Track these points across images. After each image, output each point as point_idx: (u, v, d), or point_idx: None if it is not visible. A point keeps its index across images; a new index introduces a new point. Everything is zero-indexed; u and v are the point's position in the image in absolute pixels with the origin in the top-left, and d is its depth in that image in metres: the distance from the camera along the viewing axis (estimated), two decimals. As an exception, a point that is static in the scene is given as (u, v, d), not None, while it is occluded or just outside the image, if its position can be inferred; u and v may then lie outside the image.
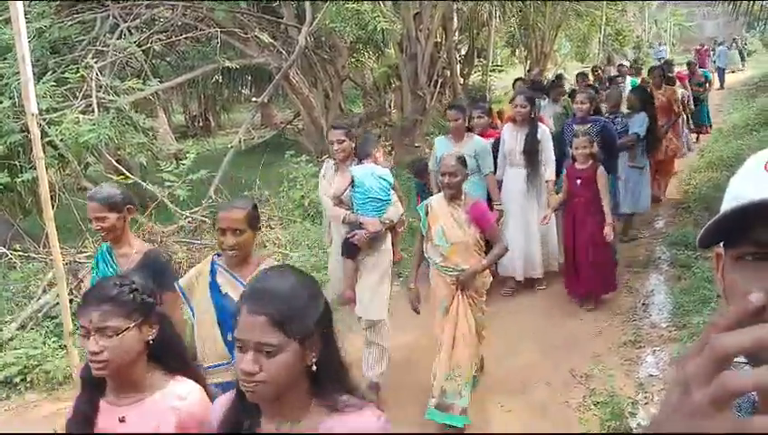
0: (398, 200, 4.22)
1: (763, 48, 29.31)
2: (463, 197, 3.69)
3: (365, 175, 3.95)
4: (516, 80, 10.30)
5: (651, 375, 4.06)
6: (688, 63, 12.51)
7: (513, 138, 5.53)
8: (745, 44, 26.88)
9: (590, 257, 5.01)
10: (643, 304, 5.21)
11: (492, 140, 5.75)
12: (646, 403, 3.71)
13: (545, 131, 5.65)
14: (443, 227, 3.63)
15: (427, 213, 3.73)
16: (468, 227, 3.62)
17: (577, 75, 10.78)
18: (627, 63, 13.90)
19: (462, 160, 3.70)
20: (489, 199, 5.20)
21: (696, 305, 4.84)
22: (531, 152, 5.39)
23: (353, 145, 4.19)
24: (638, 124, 6.48)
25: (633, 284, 5.57)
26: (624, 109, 6.92)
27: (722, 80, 19.78)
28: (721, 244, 0.82)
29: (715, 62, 21.23)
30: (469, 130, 5.47)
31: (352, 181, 3.95)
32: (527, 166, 5.42)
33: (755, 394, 0.86)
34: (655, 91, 8.08)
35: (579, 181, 5.01)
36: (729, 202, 0.77)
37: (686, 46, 29.39)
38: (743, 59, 25.21)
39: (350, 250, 3.98)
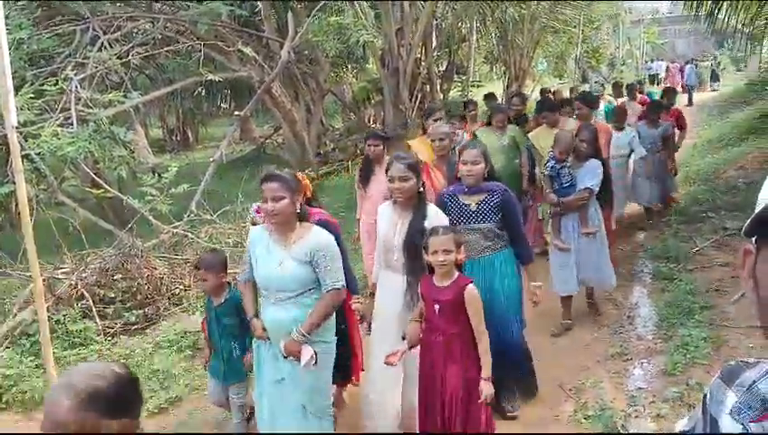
0: None
1: (733, 65, 30.12)
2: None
3: None
4: (487, 95, 10.19)
5: (640, 388, 4.07)
6: (629, 86, 10.21)
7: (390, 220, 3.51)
8: (719, 63, 27.22)
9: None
10: (628, 316, 5.23)
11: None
12: (636, 416, 3.71)
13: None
14: None
15: None
16: None
17: (512, 97, 9.09)
18: (601, 82, 12.78)
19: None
20: None
21: (680, 317, 4.88)
22: (410, 248, 3.32)
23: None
24: (591, 175, 4.79)
25: (617, 297, 5.60)
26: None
27: (690, 97, 20.38)
28: (754, 239, 0.82)
29: (684, 79, 21.85)
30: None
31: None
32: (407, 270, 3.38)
33: (766, 393, 0.85)
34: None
35: (437, 307, 3.07)
36: None
37: (649, 65, 30.07)
38: (716, 79, 25.35)
39: None
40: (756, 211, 0.77)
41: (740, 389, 0.90)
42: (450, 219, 3.61)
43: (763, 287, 0.79)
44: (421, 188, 3.42)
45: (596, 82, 10.95)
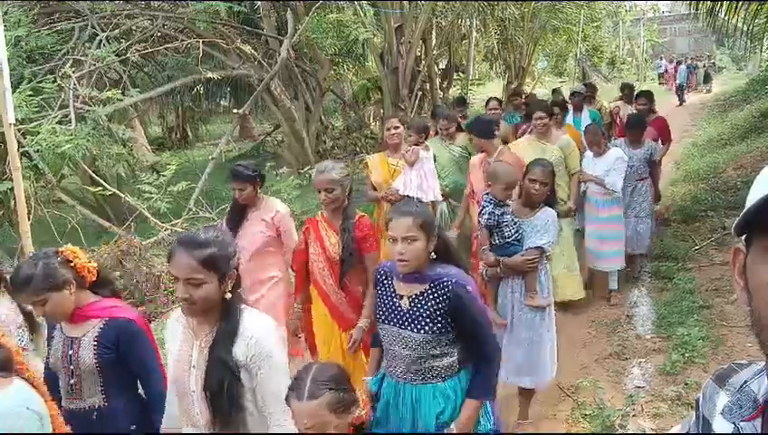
0: None
1: (733, 64, 30.10)
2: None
3: None
4: (492, 98, 8.15)
5: (638, 387, 4.06)
6: (572, 94, 7.48)
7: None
8: (713, 63, 26.95)
9: None
10: (627, 315, 5.22)
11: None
12: (634, 415, 3.71)
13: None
14: None
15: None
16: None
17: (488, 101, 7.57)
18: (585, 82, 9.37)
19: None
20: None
21: (679, 317, 4.87)
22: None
23: None
24: (544, 230, 3.47)
25: (616, 296, 5.59)
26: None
27: (681, 97, 20.48)
28: (743, 238, 0.82)
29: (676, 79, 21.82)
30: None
31: None
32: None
33: (757, 393, 0.86)
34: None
35: None
36: (763, 191, 0.76)
37: (657, 63, 30.06)
38: (708, 80, 24.94)
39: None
40: (745, 209, 0.76)
41: (732, 389, 0.90)
42: (376, 315, 2.45)
43: (752, 288, 0.79)
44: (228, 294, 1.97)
45: (573, 93, 7.76)
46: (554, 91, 10.12)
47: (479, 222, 3.65)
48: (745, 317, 4.64)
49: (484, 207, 3.55)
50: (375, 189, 4.83)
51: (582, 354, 4.64)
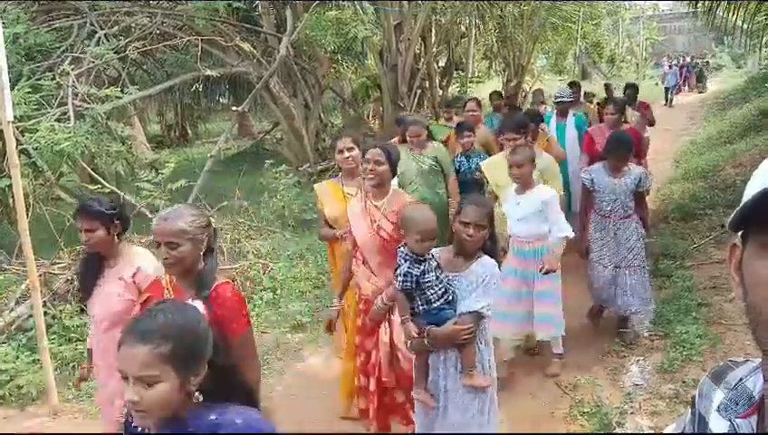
0: None
1: (732, 62, 30.07)
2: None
3: None
4: (493, 93, 8.49)
5: (637, 384, 4.07)
6: (556, 101, 6.68)
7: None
8: (707, 62, 26.50)
9: None
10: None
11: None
12: (632, 413, 3.72)
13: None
14: None
15: None
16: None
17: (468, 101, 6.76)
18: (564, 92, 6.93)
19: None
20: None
21: (677, 315, 4.88)
22: None
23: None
24: (480, 285, 2.78)
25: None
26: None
27: (669, 99, 20.30)
28: (739, 234, 0.82)
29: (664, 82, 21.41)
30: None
31: None
32: None
33: (753, 390, 0.85)
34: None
35: None
36: (760, 186, 0.76)
37: (657, 60, 30.02)
38: (702, 80, 24.61)
39: None
40: (741, 204, 0.76)
41: (728, 386, 0.91)
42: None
43: (748, 284, 0.79)
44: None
45: (568, 83, 7.88)
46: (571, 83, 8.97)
47: (395, 278, 2.81)
48: (743, 315, 4.66)
49: (398, 266, 2.79)
50: (330, 226, 3.96)
51: (581, 352, 4.64)
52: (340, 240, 3.78)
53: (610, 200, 4.40)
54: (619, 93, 9.14)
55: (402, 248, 2.82)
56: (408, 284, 2.74)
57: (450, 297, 2.77)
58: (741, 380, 0.89)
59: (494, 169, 4.42)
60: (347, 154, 3.84)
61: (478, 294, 2.73)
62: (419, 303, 2.78)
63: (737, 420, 0.85)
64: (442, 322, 2.75)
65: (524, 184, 3.93)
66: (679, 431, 1.04)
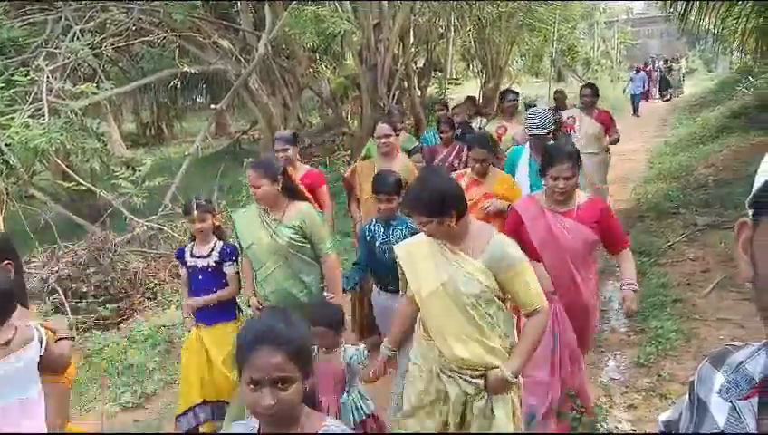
0: None
1: (704, 66, 30.70)
2: None
3: None
4: (468, 99, 8.37)
5: (613, 379, 4.14)
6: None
7: None
8: (670, 67, 23.89)
9: None
10: (602, 309, 5.30)
11: None
12: (610, 407, 3.77)
13: None
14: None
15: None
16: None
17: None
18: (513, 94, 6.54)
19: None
20: None
21: (652, 310, 4.97)
22: None
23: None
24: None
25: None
26: None
27: (635, 107, 19.08)
28: (751, 213, 0.84)
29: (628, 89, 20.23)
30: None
31: None
32: None
33: (753, 373, 0.89)
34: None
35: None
36: None
37: (631, 63, 30.48)
38: (666, 87, 23.03)
39: None
40: (760, 185, 0.77)
41: (728, 370, 0.93)
42: None
43: (761, 262, 0.80)
44: None
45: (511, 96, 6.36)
46: (557, 91, 9.21)
47: None
48: (717, 311, 4.77)
49: None
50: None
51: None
52: None
53: None
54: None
55: None
56: None
57: None
58: (741, 363, 0.91)
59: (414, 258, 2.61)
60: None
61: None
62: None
63: (739, 402, 0.87)
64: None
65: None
66: (677, 416, 1.06)
